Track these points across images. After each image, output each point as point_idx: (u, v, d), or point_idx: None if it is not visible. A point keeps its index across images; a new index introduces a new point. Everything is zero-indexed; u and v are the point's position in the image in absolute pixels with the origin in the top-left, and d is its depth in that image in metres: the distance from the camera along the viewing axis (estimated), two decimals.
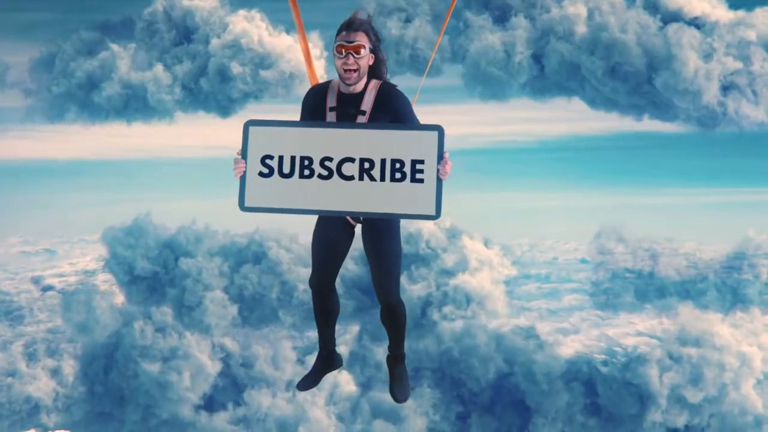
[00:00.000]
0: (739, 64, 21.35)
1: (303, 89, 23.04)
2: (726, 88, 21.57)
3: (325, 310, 6.32)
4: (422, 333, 23.82)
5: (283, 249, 24.71)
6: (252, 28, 22.43)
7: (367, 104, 5.80)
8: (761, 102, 21.37)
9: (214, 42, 22.48)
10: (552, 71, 21.40)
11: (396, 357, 6.39)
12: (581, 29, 21.38)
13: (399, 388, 6.30)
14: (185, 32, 23.04)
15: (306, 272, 24.42)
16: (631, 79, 21.19)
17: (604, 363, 24.22)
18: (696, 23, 21.29)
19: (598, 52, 21.04)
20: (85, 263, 31.44)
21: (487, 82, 21.57)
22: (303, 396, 23.59)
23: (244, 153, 5.75)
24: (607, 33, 20.92)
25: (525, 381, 23.83)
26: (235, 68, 22.26)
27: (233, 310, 24.38)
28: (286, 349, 24.94)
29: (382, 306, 6.14)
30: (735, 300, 25.18)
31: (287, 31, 22.71)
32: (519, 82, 21.73)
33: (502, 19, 21.80)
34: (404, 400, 6.34)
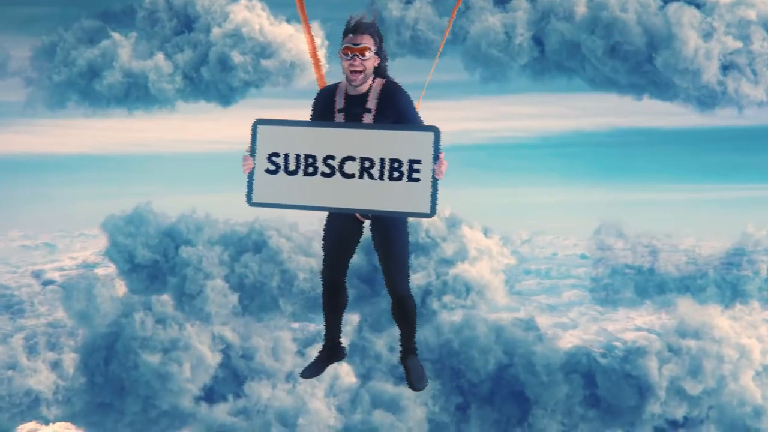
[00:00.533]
0: (738, 44, 21.38)
1: (304, 78, 23.22)
2: (726, 68, 21.62)
3: (333, 304, 6.53)
4: (421, 323, 23.84)
5: (283, 238, 24.79)
6: (253, 17, 22.51)
7: (371, 103, 6.02)
8: (761, 81, 21.44)
9: (215, 31, 22.55)
10: (552, 51, 21.44)
11: (408, 350, 6.54)
12: (581, 9, 21.45)
13: (415, 378, 6.46)
14: (186, 21, 23.11)
15: (306, 261, 24.52)
16: (631, 59, 21.23)
17: (604, 355, 24.29)
18: (696, 2, 21.33)
19: (599, 32, 21.08)
20: (85, 257, 31.54)
21: (488, 64, 21.64)
22: (303, 387, 23.67)
23: (252, 150, 5.94)
24: (608, 12, 20.98)
25: (524, 372, 23.89)
26: (236, 57, 22.33)
27: (234, 298, 24.44)
28: (286, 340, 25.02)
29: (393, 300, 6.31)
30: (734, 296, 25.27)
31: (288, 21, 22.80)
32: (520, 64, 21.78)
33: (502, 0, 21.90)
34: (422, 387, 6.53)
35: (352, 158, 5.85)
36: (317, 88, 6.22)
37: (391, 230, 6.15)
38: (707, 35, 21.05)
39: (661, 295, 26.07)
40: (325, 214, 6.26)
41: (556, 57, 21.53)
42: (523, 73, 22.28)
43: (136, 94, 23.02)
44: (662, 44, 20.78)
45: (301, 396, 23.52)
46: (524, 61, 21.76)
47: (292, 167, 5.91)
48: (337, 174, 5.86)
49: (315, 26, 21.75)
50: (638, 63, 21.23)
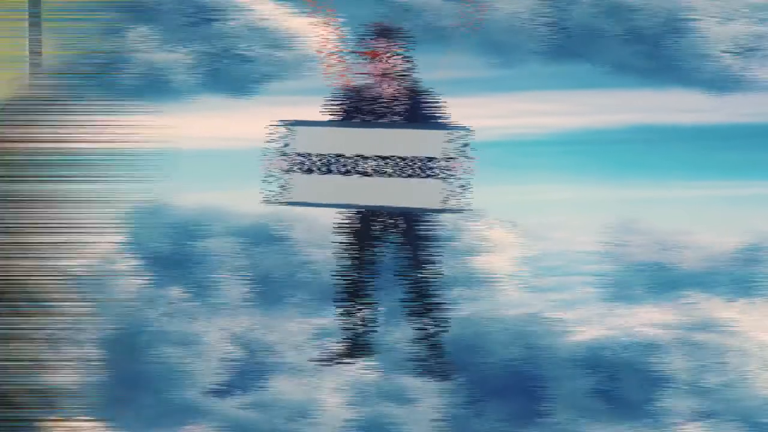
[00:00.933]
0: (757, 28, 21.35)
1: (321, 72, 23.26)
2: (744, 52, 21.59)
3: (357, 299, 6.57)
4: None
5: (299, 230, 24.85)
6: (270, 9, 22.60)
7: (393, 104, 6.06)
8: None
9: (232, 23, 22.65)
10: (566, 36, 21.45)
11: (427, 343, 6.61)
12: None
13: (433, 371, 6.52)
14: (203, 13, 23.21)
15: (321, 253, 24.54)
16: (647, 43, 21.21)
17: (618, 350, 24.31)
18: None
19: (614, 16, 21.09)
20: (105, 251, 31.65)
21: (500, 50, 21.65)
22: (318, 381, 23.69)
23: (277, 150, 6.04)
24: None
25: (538, 367, 23.91)
26: (253, 50, 22.41)
27: (249, 291, 24.52)
28: (299, 334, 25.06)
29: (414, 294, 6.37)
30: (749, 291, 25.20)
31: (305, 13, 22.83)
32: (533, 49, 21.79)
33: None
34: (440, 381, 6.60)
35: (372, 157, 5.92)
36: (334, 82, 6.30)
37: (412, 226, 6.24)
38: (725, 19, 21.03)
39: (675, 291, 25.97)
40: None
41: (571, 42, 21.51)
42: (537, 60, 22.26)
43: (154, 87, 23.12)
44: (679, 29, 20.78)
45: (316, 389, 23.56)
46: (537, 46, 21.73)
47: (315, 166, 5.98)
48: (359, 172, 5.93)
49: (332, 21, 21.81)
50: (654, 48, 21.20)
